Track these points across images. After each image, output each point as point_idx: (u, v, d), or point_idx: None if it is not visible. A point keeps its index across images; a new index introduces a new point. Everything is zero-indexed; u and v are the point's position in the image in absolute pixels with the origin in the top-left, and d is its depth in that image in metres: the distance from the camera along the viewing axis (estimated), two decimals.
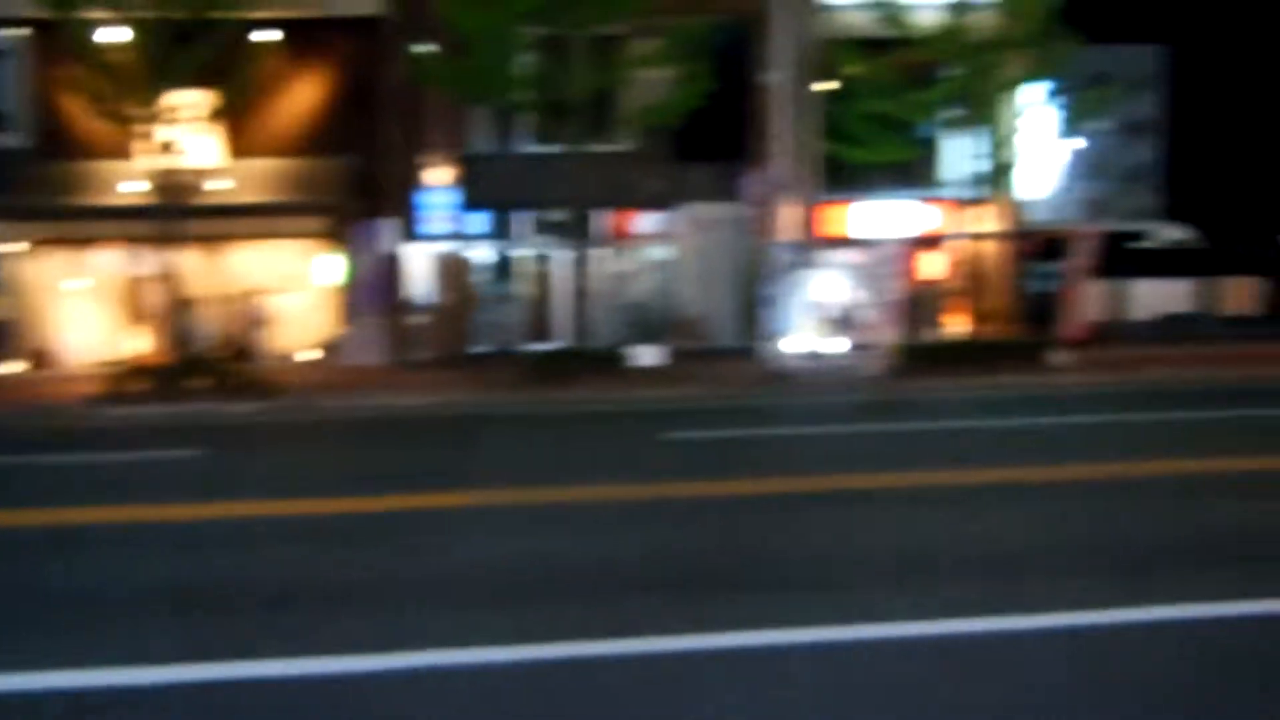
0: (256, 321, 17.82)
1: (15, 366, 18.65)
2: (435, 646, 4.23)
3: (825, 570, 5.35)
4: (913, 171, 19.57)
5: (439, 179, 19.40)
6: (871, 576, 5.20)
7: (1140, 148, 60.17)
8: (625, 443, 10.59)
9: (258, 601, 5.04)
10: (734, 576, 5.29)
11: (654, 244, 21.20)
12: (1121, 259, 21.02)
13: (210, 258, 19.75)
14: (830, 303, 19.56)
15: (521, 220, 20.89)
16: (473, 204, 20.29)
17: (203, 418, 13.09)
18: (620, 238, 21.16)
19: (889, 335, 18.65)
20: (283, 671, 4.03)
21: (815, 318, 18.06)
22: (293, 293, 20.04)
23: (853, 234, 20.43)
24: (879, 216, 20.42)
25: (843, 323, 19.25)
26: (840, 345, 18.23)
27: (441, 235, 19.56)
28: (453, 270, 19.99)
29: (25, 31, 18.48)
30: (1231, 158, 56.58)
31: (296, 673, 4.02)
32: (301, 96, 19.67)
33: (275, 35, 18.13)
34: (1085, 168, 58.46)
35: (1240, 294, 19.04)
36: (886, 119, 17.16)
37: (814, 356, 17.03)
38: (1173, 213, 45.37)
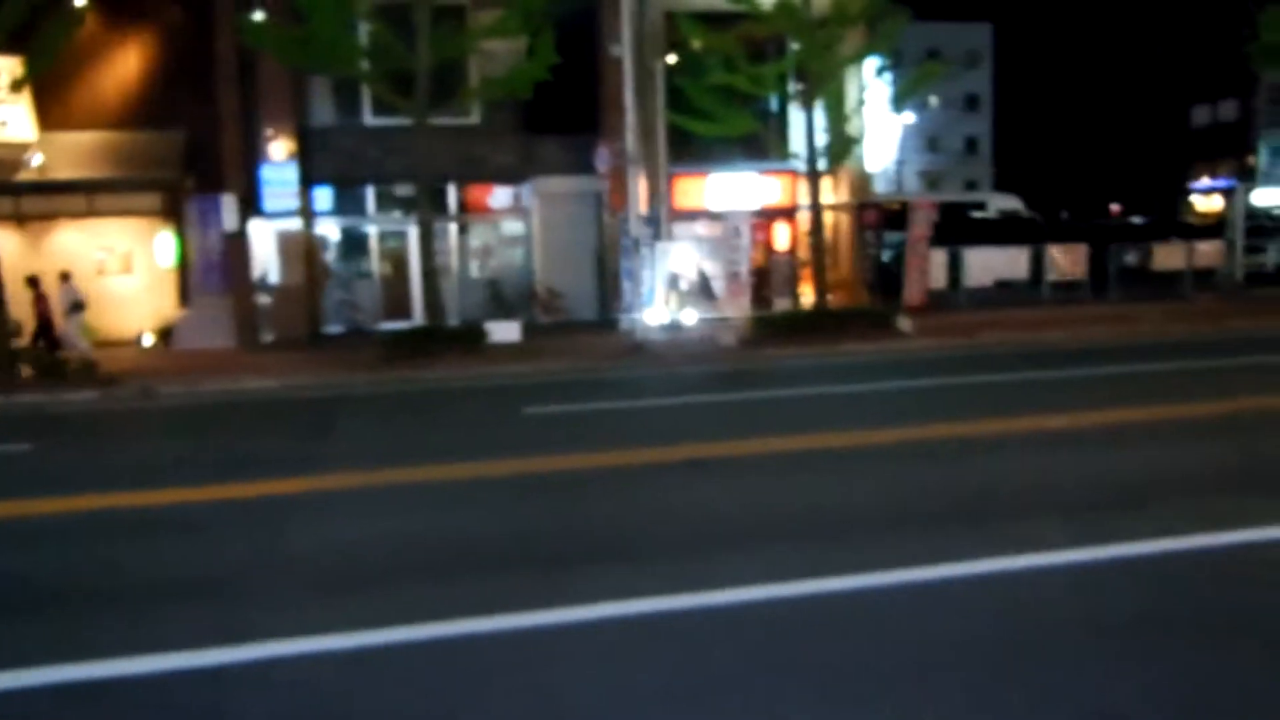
0: (74, 305, 16.74)
1: None
2: (270, 638, 4.17)
3: (667, 539, 5.49)
4: (760, 144, 19.95)
5: (280, 153, 18.70)
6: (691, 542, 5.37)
7: (973, 122, 62.99)
8: (485, 419, 10.52)
9: (83, 598, 4.84)
10: (587, 548, 5.36)
11: (507, 218, 21.02)
12: (957, 229, 21.97)
13: (34, 239, 18.56)
14: (684, 275, 19.87)
15: (370, 195, 20.38)
16: (317, 178, 19.68)
17: (34, 408, 12.34)
18: (472, 212, 20.90)
19: (742, 306, 19.07)
20: (123, 670, 3.89)
21: (670, 290, 18.30)
22: (125, 274, 19.02)
23: (704, 207, 20.72)
24: (729, 189, 20.76)
25: (696, 294, 19.59)
26: (695, 317, 18.54)
27: (285, 212, 18.87)
28: (299, 248, 19.32)
29: None
30: (1055, 131, 59.85)
31: (123, 672, 3.88)
32: (128, 65, 18.59)
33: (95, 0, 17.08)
34: (922, 141, 61.00)
35: (1067, 261, 20.22)
36: (731, 92, 17.41)
37: (670, 328, 17.25)
38: (1002, 184, 47.78)
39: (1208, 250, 21.60)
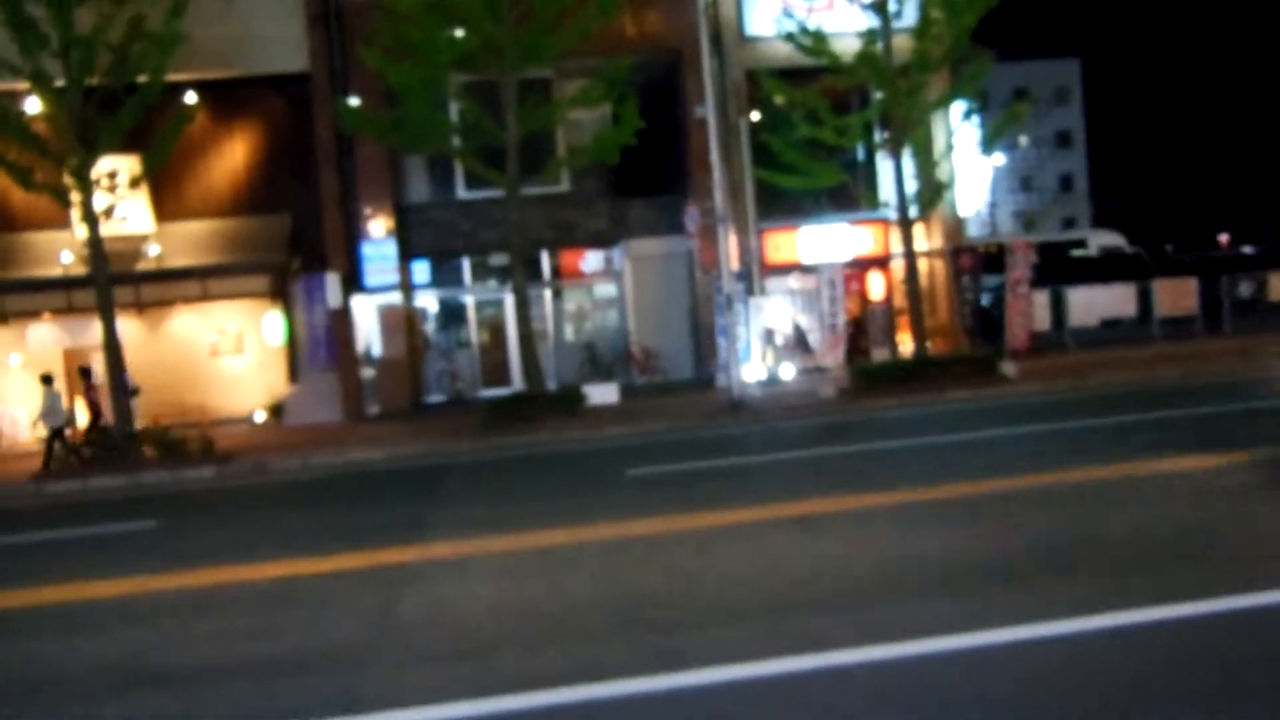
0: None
1: None
2: (386, 707, 4.18)
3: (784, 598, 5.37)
4: (850, 195, 19.89)
5: (379, 230, 19.31)
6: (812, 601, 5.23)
7: (1066, 159, 61.80)
8: (589, 482, 10.52)
9: (230, 673, 4.94)
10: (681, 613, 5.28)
11: (600, 281, 21.28)
12: (1058, 268, 21.46)
13: (152, 324, 19.43)
14: (779, 329, 19.79)
15: (466, 266, 20.88)
16: (414, 253, 20.24)
17: (155, 487, 12.82)
18: (566, 277, 21.21)
19: (838, 358, 18.87)
20: None
21: (765, 345, 18.23)
22: (237, 354, 19.75)
23: (797, 260, 20.67)
24: (820, 241, 20.68)
25: (793, 348, 19.46)
26: (792, 371, 18.39)
27: (385, 286, 19.43)
28: (399, 321, 19.85)
29: None
30: (1152, 163, 58.30)
31: None
32: (235, 155, 19.52)
33: (202, 96, 18.01)
34: (1015, 182, 60.03)
35: (1175, 296, 19.55)
36: (817, 145, 17.43)
37: (767, 384, 17.15)
38: (1100, 220, 46.58)
39: None
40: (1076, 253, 24.97)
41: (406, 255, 20.05)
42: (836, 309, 19.22)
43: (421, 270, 20.78)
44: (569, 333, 21.18)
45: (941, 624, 4.59)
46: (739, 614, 5.16)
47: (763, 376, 17.30)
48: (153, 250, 18.03)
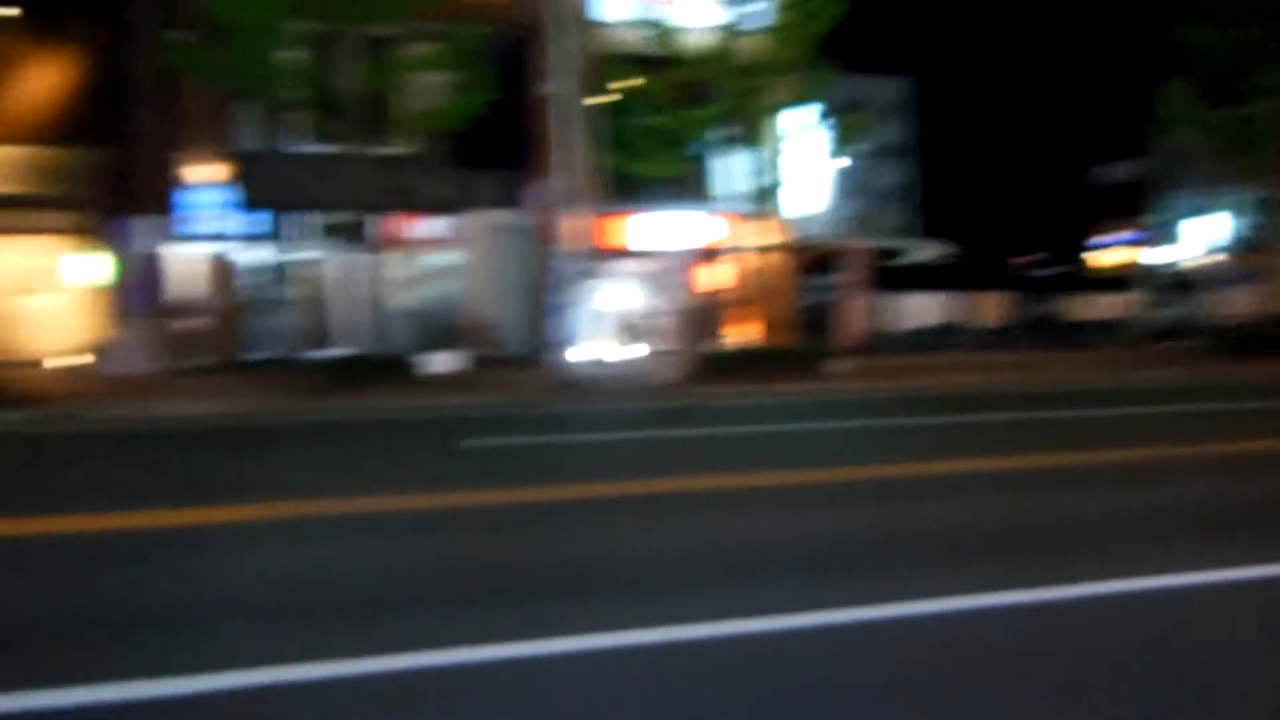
0: None
1: None
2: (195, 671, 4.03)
3: (600, 575, 5.45)
4: (691, 185, 20.23)
5: (205, 176, 18.35)
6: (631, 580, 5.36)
7: (893, 170, 64.68)
8: (422, 451, 10.39)
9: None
10: (518, 584, 5.30)
11: (438, 250, 20.89)
12: (885, 274, 22.54)
13: None
14: (617, 311, 19.97)
15: (297, 223, 20.07)
16: (248, 203, 19.32)
17: None
18: (401, 243, 20.72)
19: (675, 344, 19.22)
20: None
21: (603, 326, 18.36)
22: (43, 293, 18.40)
23: (634, 245, 20.88)
24: (659, 228, 20.96)
25: (630, 331, 19.69)
26: (628, 353, 18.61)
27: (209, 235, 18.51)
28: (222, 273, 18.93)
29: None
30: (977, 178, 61.80)
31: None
32: (49, 82, 18.12)
33: (13, 12, 16.66)
34: (847, 187, 62.34)
35: (990, 307, 20.88)
36: (663, 134, 17.67)
37: (603, 364, 17.29)
38: (932, 230, 49.08)
39: (1112, 303, 22.54)
40: (905, 260, 26.27)
41: (235, 205, 19.11)
42: (672, 296, 19.56)
43: (249, 222, 19.83)
44: (403, 300, 20.71)
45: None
46: (569, 587, 5.22)
47: (596, 358, 17.43)
48: None
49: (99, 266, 18.21)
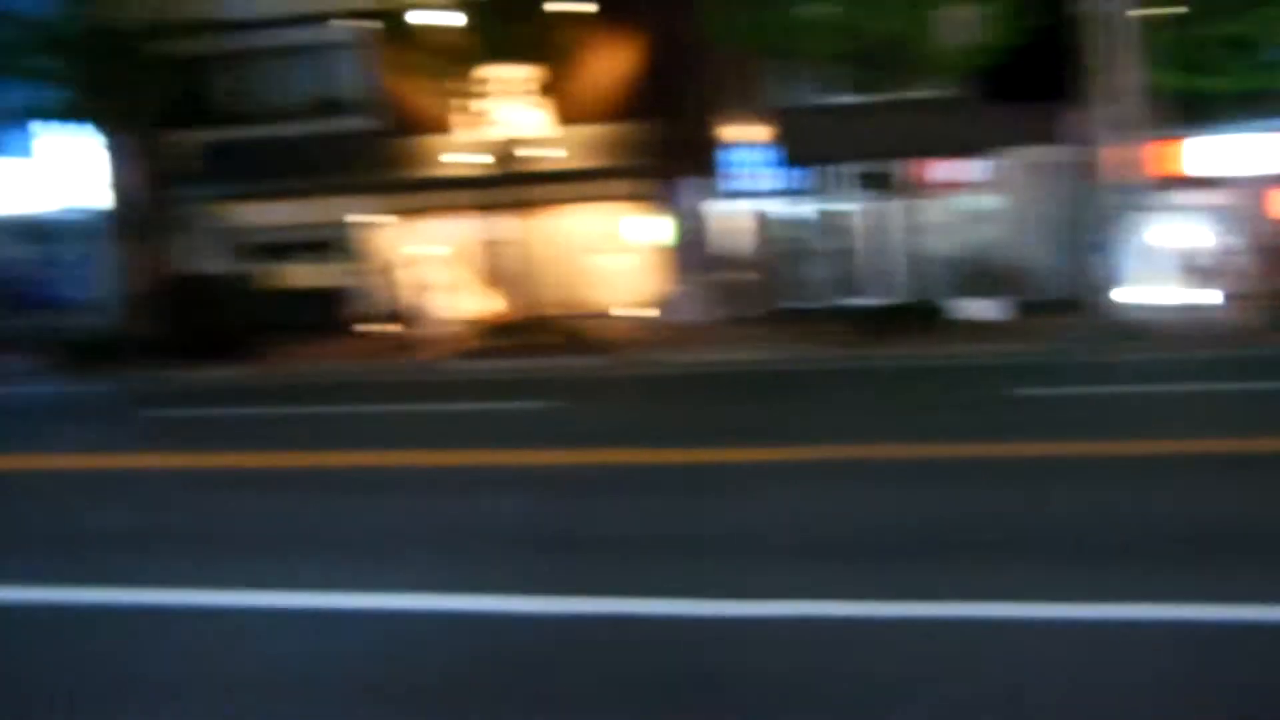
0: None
1: (377, 326, 20.77)
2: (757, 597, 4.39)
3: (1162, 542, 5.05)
4: (1269, 101, 17.58)
5: (747, 136, 19.56)
6: None
7: None
8: (971, 398, 10.33)
9: (593, 547, 5.42)
10: (1103, 542, 5.11)
11: (975, 193, 20.36)
12: None
13: (543, 222, 21.03)
14: (1176, 249, 18.09)
15: (835, 174, 20.68)
16: (788, 159, 20.28)
17: (545, 371, 14.08)
18: (935, 188, 20.49)
19: (1248, 285, 17.00)
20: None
21: (1159, 266, 16.77)
22: (619, 253, 20.98)
23: (1196, 173, 18.67)
24: (1228, 153, 18.53)
25: (1192, 271, 17.77)
26: (1189, 296, 16.84)
27: (750, 192, 19.78)
28: (763, 228, 20.18)
29: (372, 23, 20.31)
30: None
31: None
32: (613, 62, 20.39)
33: (590, 8, 18.92)
34: None
35: None
36: (1236, 41, 15.51)
37: (1160, 309, 15.82)
38: None
39: None
40: None
41: (774, 162, 20.18)
42: (1245, 230, 17.26)
43: (787, 177, 20.84)
44: (938, 246, 20.51)
45: None
46: (1125, 552, 4.95)
47: (1155, 300, 15.96)
48: (546, 152, 19.40)
49: (658, 227, 20.31)
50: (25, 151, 20.10)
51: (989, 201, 20.13)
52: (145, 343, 16.75)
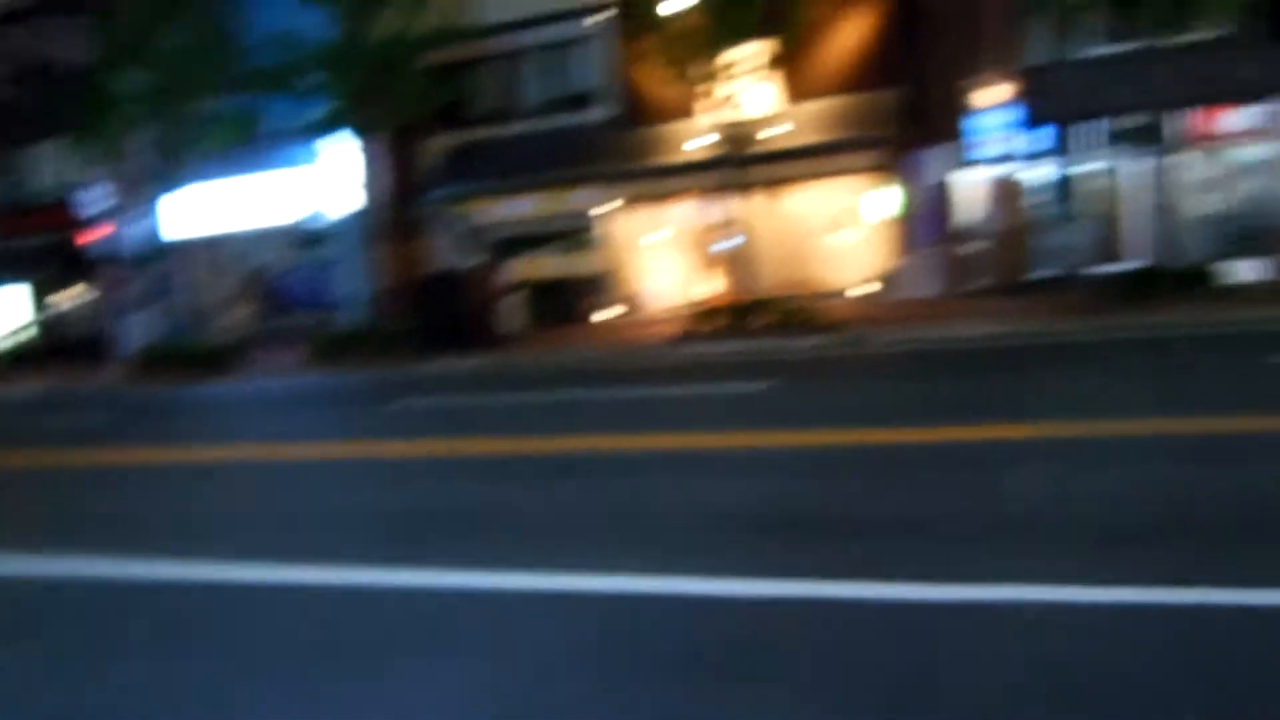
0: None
1: (610, 312, 21.30)
2: (1004, 581, 4.08)
3: None
4: None
5: (993, 98, 18.40)
6: None
7: None
8: (1217, 369, 9.29)
9: (825, 530, 5.19)
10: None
11: (1248, 143, 18.23)
12: None
13: (772, 201, 20.78)
14: None
15: (1086, 133, 19.10)
16: (1037, 119, 18.92)
17: (769, 353, 13.89)
18: (1203, 139, 18.50)
19: None
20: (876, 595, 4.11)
21: None
22: (847, 229, 20.41)
23: None
24: None
25: None
26: None
27: (995, 158, 18.60)
28: (1008, 194, 18.96)
29: (608, 14, 20.77)
30: None
31: (875, 596, 4.07)
32: (849, 32, 19.79)
33: None
34: None
35: None
36: None
37: None
38: None
39: None
40: None
41: (1021, 123, 18.88)
42: None
43: (1034, 138, 19.46)
44: (1204, 203, 18.53)
45: None
46: None
47: None
48: (777, 130, 19.11)
49: (893, 200, 19.56)
50: (293, 163, 22.02)
51: (1266, 151, 17.96)
52: (396, 336, 17.95)
